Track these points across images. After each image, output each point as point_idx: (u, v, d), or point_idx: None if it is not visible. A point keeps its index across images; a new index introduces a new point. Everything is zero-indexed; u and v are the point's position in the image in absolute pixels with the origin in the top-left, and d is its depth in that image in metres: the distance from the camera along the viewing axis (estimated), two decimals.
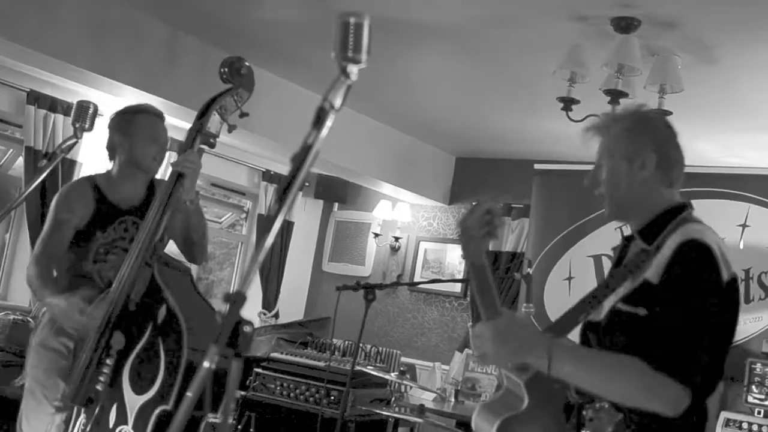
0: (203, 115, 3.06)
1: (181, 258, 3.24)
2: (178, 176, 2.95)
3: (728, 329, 1.97)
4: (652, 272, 1.97)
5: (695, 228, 2.02)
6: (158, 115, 3.31)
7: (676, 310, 1.89)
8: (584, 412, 1.99)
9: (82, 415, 2.82)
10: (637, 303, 1.97)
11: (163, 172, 5.01)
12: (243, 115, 3.12)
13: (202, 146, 3.04)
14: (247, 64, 3.15)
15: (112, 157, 3.28)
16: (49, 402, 3.03)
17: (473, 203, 2.03)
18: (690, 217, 2.09)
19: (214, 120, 3.07)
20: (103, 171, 3.35)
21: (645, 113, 2.23)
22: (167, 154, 3.46)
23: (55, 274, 3.21)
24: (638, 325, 1.94)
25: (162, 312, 2.76)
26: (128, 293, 2.85)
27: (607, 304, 2.05)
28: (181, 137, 3.51)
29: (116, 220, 3.22)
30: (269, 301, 7.71)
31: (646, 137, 2.13)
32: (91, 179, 3.30)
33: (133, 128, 3.21)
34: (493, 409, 2.00)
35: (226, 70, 3.11)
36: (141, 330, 2.80)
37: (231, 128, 3.12)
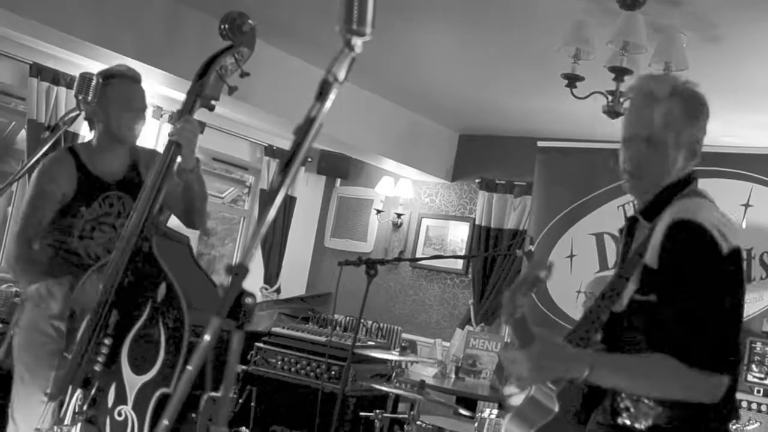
0: (202, 76, 2.86)
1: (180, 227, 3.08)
2: (175, 146, 2.78)
3: (736, 302, 1.92)
4: (650, 256, 1.92)
5: (687, 204, 1.95)
6: (133, 78, 3.08)
7: (681, 299, 1.85)
8: (619, 401, 2.00)
9: (79, 393, 2.71)
10: (647, 291, 1.93)
11: (156, 141, 5.03)
12: (244, 74, 2.90)
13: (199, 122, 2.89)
14: (249, 21, 2.89)
15: (92, 127, 3.09)
16: (41, 389, 2.84)
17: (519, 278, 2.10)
18: (687, 192, 2.01)
19: (213, 81, 2.86)
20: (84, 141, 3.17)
21: (694, 90, 2.08)
22: (146, 120, 3.20)
23: (36, 246, 3.04)
24: (653, 313, 1.92)
25: (162, 289, 2.65)
26: (126, 268, 2.71)
27: (626, 294, 2.00)
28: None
29: (101, 195, 3.05)
30: (271, 276, 7.73)
31: (701, 123, 2.02)
32: (71, 149, 3.10)
33: (106, 95, 2.98)
34: (525, 417, 2.02)
35: (227, 26, 2.85)
36: (139, 307, 2.68)
37: (231, 90, 2.89)
